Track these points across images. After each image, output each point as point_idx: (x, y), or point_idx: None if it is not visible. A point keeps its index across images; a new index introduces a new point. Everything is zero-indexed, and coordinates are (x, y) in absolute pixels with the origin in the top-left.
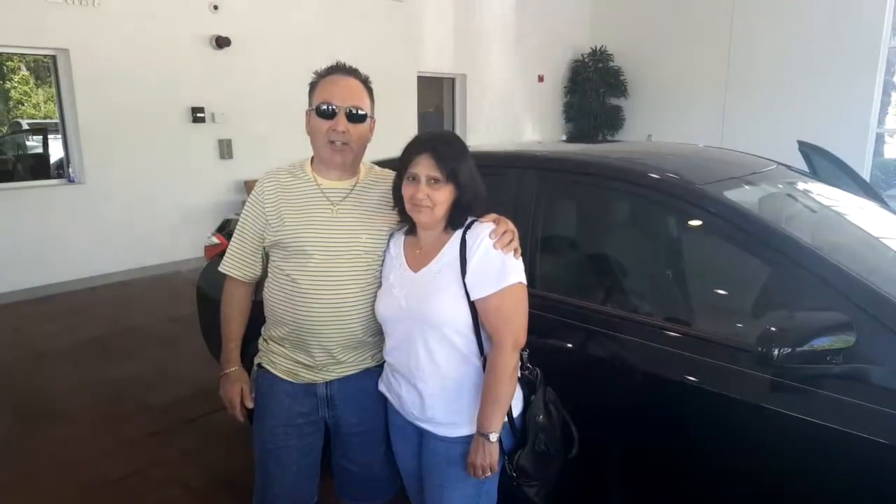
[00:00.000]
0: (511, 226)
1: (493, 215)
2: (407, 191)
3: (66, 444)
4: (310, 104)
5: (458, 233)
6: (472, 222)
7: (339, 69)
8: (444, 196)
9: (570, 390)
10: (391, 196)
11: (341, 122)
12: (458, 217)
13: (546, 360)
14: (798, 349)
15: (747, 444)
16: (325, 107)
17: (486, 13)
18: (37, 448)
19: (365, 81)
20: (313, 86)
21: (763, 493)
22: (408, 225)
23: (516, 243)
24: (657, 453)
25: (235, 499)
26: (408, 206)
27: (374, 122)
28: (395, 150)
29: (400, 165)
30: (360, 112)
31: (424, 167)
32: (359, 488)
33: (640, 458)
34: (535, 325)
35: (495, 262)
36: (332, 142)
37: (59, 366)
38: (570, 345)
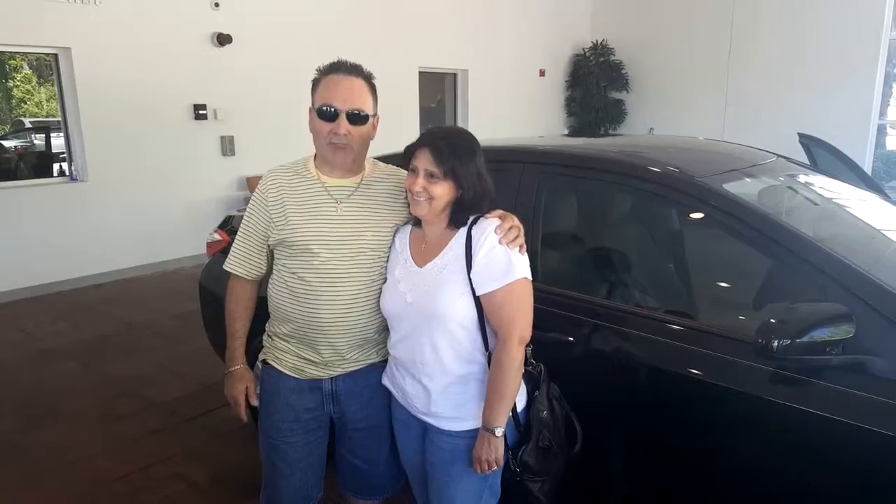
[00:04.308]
0: (517, 222)
1: (499, 211)
2: (407, 182)
3: (69, 441)
4: (312, 103)
5: (464, 228)
6: (477, 218)
7: (341, 67)
8: (441, 191)
9: (570, 384)
10: (396, 192)
11: (342, 125)
12: (460, 215)
13: (548, 354)
14: (798, 340)
15: (748, 436)
16: (326, 108)
17: (486, 8)
18: (40, 445)
19: (368, 79)
20: (315, 83)
21: (764, 484)
22: (415, 217)
23: (521, 239)
24: (659, 446)
25: (239, 495)
26: (409, 198)
27: (377, 120)
28: (396, 146)
29: (404, 157)
30: (361, 113)
31: (423, 161)
32: (363, 483)
33: (641, 452)
34: (536, 319)
35: (501, 257)
36: (334, 143)
37: (63, 363)
38: (571, 338)
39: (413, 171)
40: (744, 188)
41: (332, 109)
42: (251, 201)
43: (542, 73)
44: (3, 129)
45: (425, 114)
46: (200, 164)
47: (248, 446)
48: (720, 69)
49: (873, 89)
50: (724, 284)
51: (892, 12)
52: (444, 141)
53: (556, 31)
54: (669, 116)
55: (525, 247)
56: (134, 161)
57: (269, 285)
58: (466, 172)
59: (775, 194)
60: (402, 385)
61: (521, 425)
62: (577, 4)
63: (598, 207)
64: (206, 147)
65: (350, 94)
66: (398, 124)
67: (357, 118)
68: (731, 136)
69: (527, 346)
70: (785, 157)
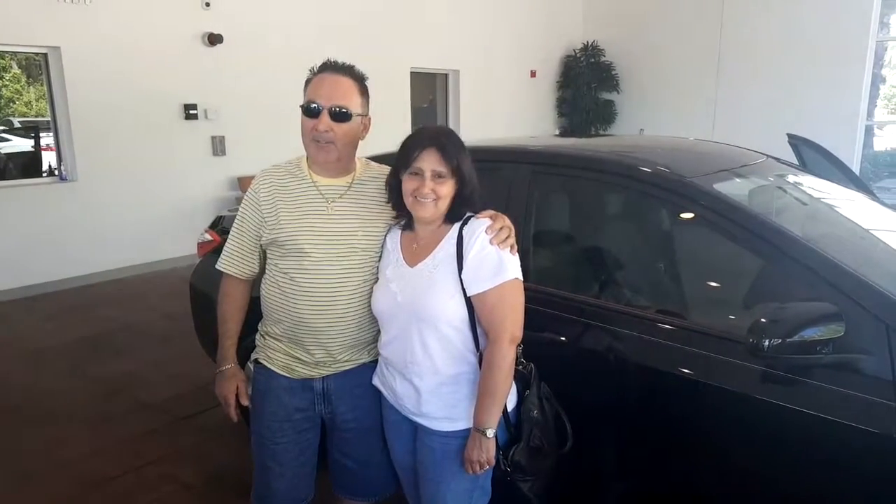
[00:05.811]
0: (507, 222)
1: (490, 211)
2: (409, 185)
3: (61, 442)
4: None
5: (455, 228)
6: (468, 218)
7: (331, 67)
8: (447, 190)
9: (561, 383)
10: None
11: (323, 122)
12: (458, 210)
13: (539, 353)
14: (788, 340)
15: (739, 435)
16: (310, 105)
17: (478, 9)
18: (32, 447)
19: (359, 79)
20: (307, 83)
21: (754, 483)
22: (405, 219)
23: (513, 239)
24: (650, 446)
25: (232, 496)
26: (409, 201)
27: (368, 120)
28: (387, 146)
29: (400, 160)
30: (344, 111)
31: (430, 162)
32: (356, 484)
33: (632, 451)
34: (527, 319)
35: (492, 257)
36: (317, 140)
37: (54, 364)
38: (562, 338)
39: (416, 174)
40: (734, 188)
41: (316, 106)
42: (244, 201)
43: (532, 74)
44: None
45: (417, 114)
46: (191, 164)
47: (241, 446)
48: (710, 70)
49: (861, 90)
50: (714, 284)
51: (879, 14)
52: (445, 139)
53: (547, 33)
54: (659, 117)
55: (516, 247)
56: (124, 161)
57: (262, 285)
58: (467, 167)
59: (765, 194)
60: (393, 385)
61: (512, 425)
62: (568, 6)
63: (589, 207)
64: (196, 147)
65: (335, 91)
66: (390, 124)
67: (339, 115)
68: (721, 136)
69: (517, 345)
70: (774, 158)
